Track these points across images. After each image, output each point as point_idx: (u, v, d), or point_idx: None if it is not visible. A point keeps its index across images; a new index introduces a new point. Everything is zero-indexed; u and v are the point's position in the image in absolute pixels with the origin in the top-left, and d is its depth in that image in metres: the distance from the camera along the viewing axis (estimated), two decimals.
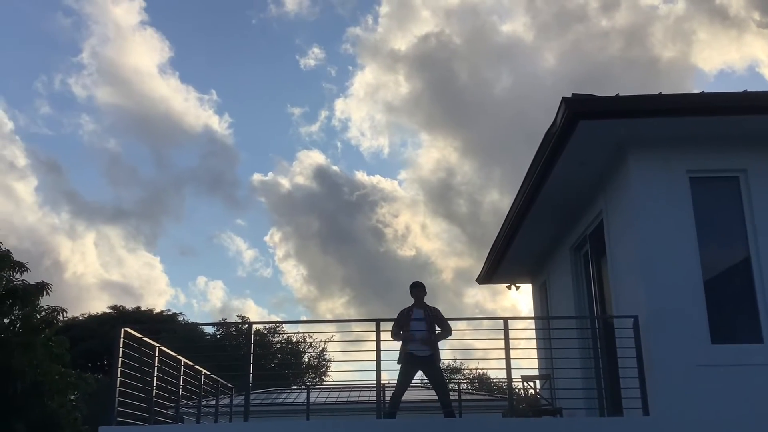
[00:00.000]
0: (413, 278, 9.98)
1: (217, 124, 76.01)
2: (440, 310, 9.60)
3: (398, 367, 9.34)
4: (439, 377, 9.58)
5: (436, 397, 9.49)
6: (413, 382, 9.86)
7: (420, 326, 9.39)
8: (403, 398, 9.35)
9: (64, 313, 18.58)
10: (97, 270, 70.78)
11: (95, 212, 73.43)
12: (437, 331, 9.49)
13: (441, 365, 9.80)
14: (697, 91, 10.89)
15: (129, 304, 46.67)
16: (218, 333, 43.73)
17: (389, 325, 9.35)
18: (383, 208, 73.46)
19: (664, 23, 61.38)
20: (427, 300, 9.71)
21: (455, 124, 68.91)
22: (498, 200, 64.96)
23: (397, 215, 74.33)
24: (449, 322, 9.59)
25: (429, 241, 74.56)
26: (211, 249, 75.41)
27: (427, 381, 9.97)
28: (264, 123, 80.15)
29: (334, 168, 77.83)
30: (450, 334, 9.59)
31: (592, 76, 58.83)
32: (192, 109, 74.42)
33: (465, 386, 33.50)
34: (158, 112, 72.74)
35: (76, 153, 75.34)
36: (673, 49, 63.64)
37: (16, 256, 18.21)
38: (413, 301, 9.68)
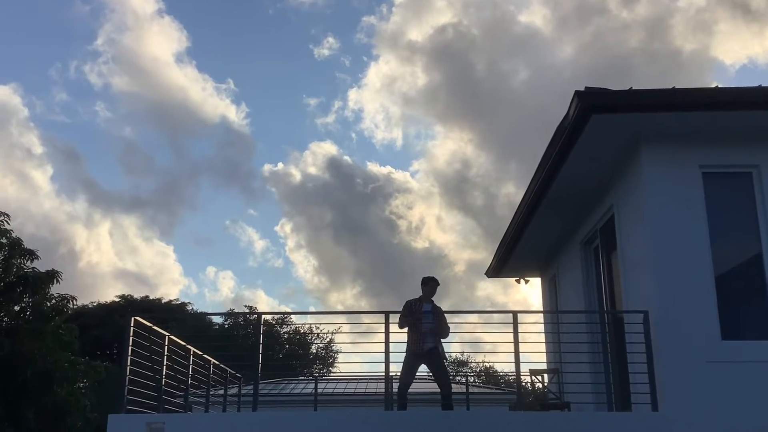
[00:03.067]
0: (426, 270, 10.10)
1: (234, 113, 76.07)
2: (442, 307, 9.68)
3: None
4: (442, 369, 9.59)
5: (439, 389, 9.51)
6: (420, 374, 9.89)
7: (428, 319, 9.47)
8: (413, 390, 9.37)
9: (74, 301, 18.72)
10: (112, 259, 71.17)
11: (112, 201, 73.56)
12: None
13: (445, 359, 9.81)
14: (717, 84, 10.81)
15: (142, 294, 46.81)
16: (227, 323, 43.90)
17: (397, 317, 9.39)
18: (397, 200, 73.45)
19: (684, 15, 60.96)
20: (439, 292, 9.76)
21: (471, 115, 68.72)
22: (514, 193, 64.68)
23: (412, 207, 74.29)
24: (458, 314, 9.61)
25: (443, 234, 74.58)
26: (224, 239, 75.66)
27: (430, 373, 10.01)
28: (280, 113, 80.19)
29: (347, 159, 77.85)
30: (447, 337, 9.67)
31: (612, 69, 58.40)
32: (209, 98, 74.45)
33: (473, 379, 33.49)
34: (175, 101, 72.86)
35: (93, 141, 75.54)
36: (693, 41, 63.22)
37: (32, 244, 18.37)
38: (421, 294, 9.72)
